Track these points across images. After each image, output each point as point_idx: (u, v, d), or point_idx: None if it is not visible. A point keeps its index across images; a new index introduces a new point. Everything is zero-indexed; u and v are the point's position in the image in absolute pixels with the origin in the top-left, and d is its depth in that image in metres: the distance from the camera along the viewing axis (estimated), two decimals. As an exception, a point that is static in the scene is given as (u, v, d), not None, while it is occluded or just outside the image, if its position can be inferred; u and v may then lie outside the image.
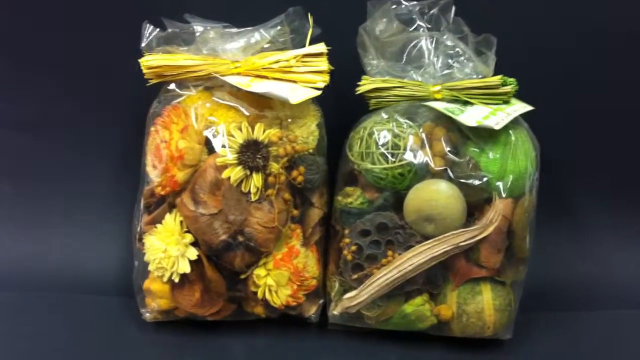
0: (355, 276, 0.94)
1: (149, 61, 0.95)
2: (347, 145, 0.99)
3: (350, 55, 0.97)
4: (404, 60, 0.99)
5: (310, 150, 0.97)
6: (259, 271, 0.95)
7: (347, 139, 1.00)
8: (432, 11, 0.96)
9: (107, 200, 1.12)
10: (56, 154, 1.12)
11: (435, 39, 0.94)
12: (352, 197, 0.98)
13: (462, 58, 0.95)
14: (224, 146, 0.92)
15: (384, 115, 0.96)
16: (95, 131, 1.11)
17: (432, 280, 0.95)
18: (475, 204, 0.94)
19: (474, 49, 0.95)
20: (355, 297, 0.96)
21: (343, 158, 1.00)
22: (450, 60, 0.97)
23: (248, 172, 0.92)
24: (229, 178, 0.90)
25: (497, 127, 0.89)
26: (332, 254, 1.01)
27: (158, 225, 0.93)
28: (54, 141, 1.12)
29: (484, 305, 0.94)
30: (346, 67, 0.98)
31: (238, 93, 0.97)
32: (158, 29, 0.95)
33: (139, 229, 0.95)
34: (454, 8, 0.94)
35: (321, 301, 1.02)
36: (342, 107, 1.00)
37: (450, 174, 0.92)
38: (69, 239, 1.12)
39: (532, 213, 0.96)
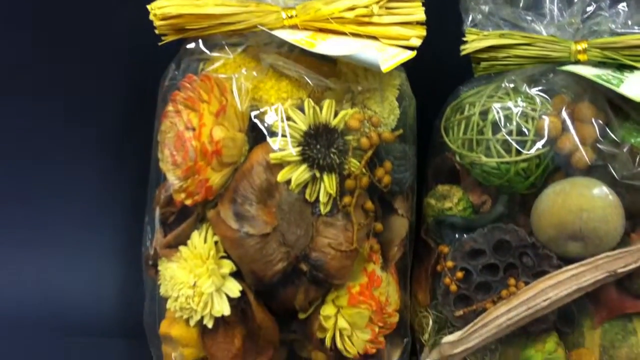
0: (460, 312, 0.71)
1: (164, 7, 0.64)
2: (442, 127, 0.74)
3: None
4: (522, 3, 0.69)
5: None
6: (327, 310, 0.69)
7: (441, 118, 0.73)
8: None
9: (97, 207, 0.87)
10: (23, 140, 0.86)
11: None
12: (451, 201, 0.72)
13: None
14: (283, 135, 0.62)
15: (508, 85, 0.67)
16: (81, 107, 0.85)
17: (565, 314, 0.71)
18: (636, 214, 0.66)
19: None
20: (461, 342, 0.71)
21: (434, 145, 0.75)
22: (592, 6, 0.67)
23: (317, 173, 0.63)
24: (287, 182, 0.65)
25: None
26: (423, 279, 0.75)
27: (182, 248, 0.68)
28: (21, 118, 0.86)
29: (639, 350, 0.71)
30: (434, 14, 0.71)
31: (290, 55, 0.67)
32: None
33: (151, 250, 0.70)
34: None
35: (405, 341, 0.76)
36: (428, 71, 0.76)
37: (613, 173, 0.63)
38: (47, 260, 0.88)
39: None
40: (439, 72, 0.79)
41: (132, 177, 0.79)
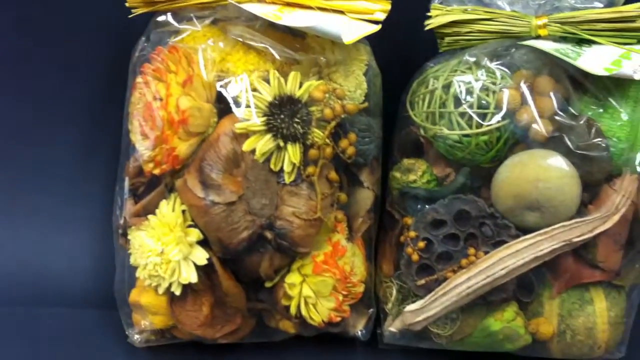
0: (422, 282, 0.73)
1: (133, -19, 0.65)
2: (408, 101, 0.75)
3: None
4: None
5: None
6: (292, 278, 0.70)
7: (407, 93, 0.75)
8: None
9: (73, 178, 0.88)
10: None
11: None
12: (415, 174, 0.73)
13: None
14: (247, 106, 0.63)
15: (469, 59, 0.68)
16: (55, 80, 0.86)
17: (525, 284, 0.72)
18: (592, 184, 0.68)
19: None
20: (422, 310, 0.73)
21: (401, 119, 0.76)
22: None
23: (281, 143, 0.65)
24: (252, 151, 0.67)
25: (637, 77, 0.66)
26: (388, 250, 0.76)
27: (150, 217, 0.70)
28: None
29: (595, 319, 0.73)
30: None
31: (258, 28, 0.68)
32: None
33: (121, 220, 0.71)
34: None
35: (371, 311, 0.77)
36: (397, 47, 0.79)
37: (568, 143, 0.65)
38: (21, 230, 0.88)
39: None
40: (410, 48, 0.81)
41: (107, 148, 0.80)
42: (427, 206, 0.73)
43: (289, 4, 0.69)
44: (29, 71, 0.86)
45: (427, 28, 0.72)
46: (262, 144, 0.66)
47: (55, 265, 0.88)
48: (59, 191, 0.88)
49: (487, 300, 0.72)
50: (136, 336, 0.75)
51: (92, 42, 0.84)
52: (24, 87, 0.87)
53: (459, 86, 0.70)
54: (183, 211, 0.69)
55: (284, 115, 0.66)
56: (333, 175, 0.69)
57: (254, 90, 0.66)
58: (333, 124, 0.67)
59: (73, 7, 0.83)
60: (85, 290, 0.86)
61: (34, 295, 0.85)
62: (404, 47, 0.81)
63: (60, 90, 0.86)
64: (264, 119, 0.66)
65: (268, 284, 0.72)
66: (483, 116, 0.69)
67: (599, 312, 0.72)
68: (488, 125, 0.69)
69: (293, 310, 0.72)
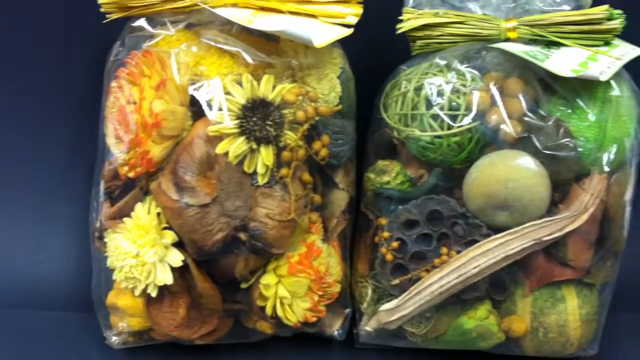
0: (396, 281, 0.74)
1: (107, -14, 0.66)
2: (382, 104, 0.76)
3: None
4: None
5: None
6: (268, 278, 0.71)
7: (381, 95, 0.76)
8: None
9: (52, 181, 0.88)
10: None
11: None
12: (389, 175, 0.74)
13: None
14: (220, 109, 0.65)
15: (440, 62, 0.69)
16: (37, 83, 0.86)
17: (498, 283, 0.73)
18: (561, 184, 0.69)
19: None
20: (397, 309, 0.74)
21: (375, 121, 0.77)
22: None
23: (254, 145, 0.66)
24: (226, 154, 0.67)
25: (603, 78, 0.66)
26: (363, 250, 0.77)
27: (126, 220, 0.71)
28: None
29: (567, 316, 0.74)
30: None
31: (233, 33, 0.69)
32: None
33: (97, 223, 0.73)
34: None
35: (347, 311, 0.78)
36: (372, 52, 0.81)
37: (537, 144, 0.66)
38: (1, 232, 0.89)
39: (632, 192, 0.71)
40: (384, 51, 0.82)
41: (88, 151, 0.80)
42: (400, 207, 0.73)
43: (262, 9, 0.70)
44: (8, 74, 0.87)
45: (399, 31, 0.73)
46: (236, 147, 0.67)
47: (34, 268, 0.88)
48: (41, 193, 0.88)
49: (460, 299, 0.73)
50: (114, 338, 0.76)
51: (68, 46, 0.85)
52: (3, 90, 0.87)
53: (430, 88, 0.71)
54: (158, 214, 0.70)
55: (257, 117, 0.67)
56: (306, 176, 0.70)
57: (227, 93, 0.67)
58: (306, 126, 0.68)
59: (49, 12, 0.84)
60: (63, 293, 0.87)
61: (12, 297, 0.86)
62: (378, 51, 0.82)
63: (39, 94, 0.87)
64: (237, 121, 0.67)
65: (244, 285, 0.72)
66: (454, 118, 0.70)
67: (571, 310, 0.73)
68: (459, 127, 0.70)
69: (269, 310, 0.72)
